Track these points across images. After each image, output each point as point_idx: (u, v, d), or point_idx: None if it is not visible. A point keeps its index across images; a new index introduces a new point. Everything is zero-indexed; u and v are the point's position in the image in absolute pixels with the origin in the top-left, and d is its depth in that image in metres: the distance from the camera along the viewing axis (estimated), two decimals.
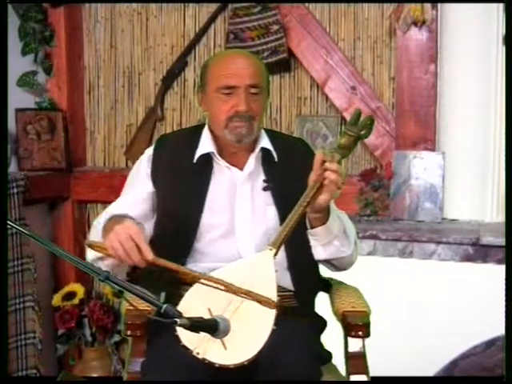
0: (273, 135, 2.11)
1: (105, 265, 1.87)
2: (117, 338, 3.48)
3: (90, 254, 1.93)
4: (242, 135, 1.98)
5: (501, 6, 2.89)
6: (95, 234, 1.98)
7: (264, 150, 2.05)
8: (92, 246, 1.87)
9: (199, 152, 2.04)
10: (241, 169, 2.04)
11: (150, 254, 1.77)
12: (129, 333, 1.95)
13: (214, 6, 3.43)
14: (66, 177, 3.57)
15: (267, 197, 2.03)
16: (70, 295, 3.47)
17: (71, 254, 1.62)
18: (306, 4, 3.30)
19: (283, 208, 1.94)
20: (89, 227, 3.67)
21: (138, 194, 2.07)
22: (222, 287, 1.73)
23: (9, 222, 1.60)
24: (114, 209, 2.06)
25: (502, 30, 2.91)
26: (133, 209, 2.03)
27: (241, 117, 1.96)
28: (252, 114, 1.97)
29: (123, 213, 1.96)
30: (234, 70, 1.98)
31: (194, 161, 2.03)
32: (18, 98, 3.38)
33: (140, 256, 1.77)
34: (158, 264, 1.79)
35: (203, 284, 1.74)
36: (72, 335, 3.48)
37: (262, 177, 2.04)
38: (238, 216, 2.01)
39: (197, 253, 2.00)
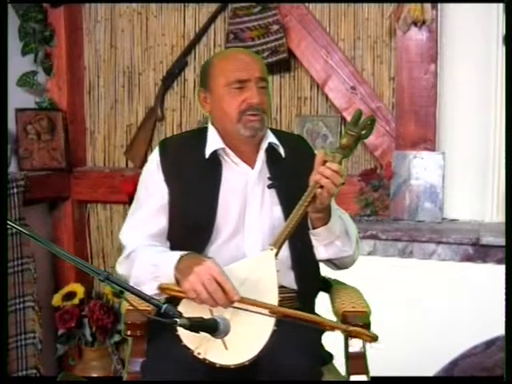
0: (276, 132, 2.11)
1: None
2: (117, 338, 3.48)
3: (151, 292, 1.81)
4: (256, 129, 1.97)
5: (501, 6, 2.89)
6: (128, 266, 1.94)
7: (269, 147, 2.04)
8: (165, 290, 1.79)
9: (210, 149, 2.01)
10: (251, 167, 2.03)
11: (236, 295, 1.72)
12: (129, 333, 1.95)
13: (213, 6, 3.43)
14: (66, 177, 3.57)
15: (273, 195, 2.02)
16: (70, 295, 3.47)
17: (71, 254, 1.62)
18: (306, 4, 3.30)
19: (289, 206, 1.93)
20: (89, 227, 3.68)
21: (158, 202, 2.01)
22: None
23: (9, 222, 1.60)
24: (139, 225, 2.02)
25: (502, 30, 2.91)
26: (157, 221, 2.00)
27: (254, 109, 1.95)
28: (263, 107, 1.97)
29: (155, 229, 1.96)
30: (243, 64, 1.99)
31: (207, 156, 2.00)
32: (18, 98, 3.38)
33: (225, 297, 1.72)
34: (245, 304, 1.73)
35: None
36: (72, 335, 3.48)
37: (267, 174, 2.03)
38: (248, 215, 2.00)
39: (208, 254, 1.97)
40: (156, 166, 2.04)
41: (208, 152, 2.01)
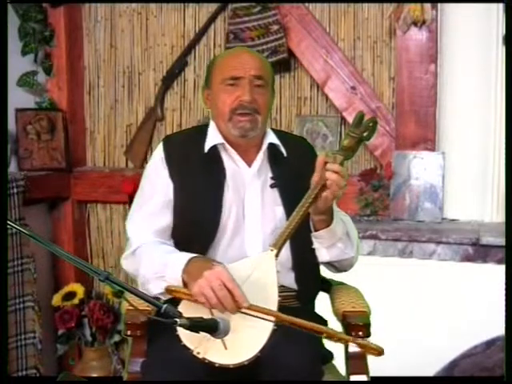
0: (278, 133, 2.10)
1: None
2: (117, 338, 3.48)
3: (156, 291, 1.85)
4: (246, 129, 1.96)
5: (501, 6, 2.89)
6: (134, 263, 1.94)
7: (271, 146, 2.04)
8: (172, 292, 1.79)
9: (209, 143, 2.01)
10: (249, 165, 2.02)
11: (245, 301, 1.70)
12: (129, 333, 1.95)
13: (214, 6, 3.43)
14: (66, 177, 3.57)
15: (275, 195, 2.01)
16: (70, 295, 3.47)
17: (71, 254, 1.62)
18: (306, 4, 3.30)
19: (291, 206, 1.92)
20: (89, 227, 3.68)
21: (163, 197, 2.00)
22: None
23: (9, 222, 1.59)
24: (145, 221, 2.00)
25: (502, 30, 2.91)
26: (163, 217, 1.99)
27: (244, 108, 1.94)
28: (256, 107, 1.95)
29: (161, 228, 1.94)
30: (239, 61, 1.98)
31: (206, 150, 1.99)
32: (18, 98, 3.38)
33: (234, 303, 1.70)
34: (252, 310, 1.71)
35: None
36: (72, 335, 3.48)
37: (270, 174, 2.03)
38: (248, 214, 1.99)
39: (209, 253, 1.96)
40: (161, 161, 2.03)
41: (207, 146, 2.01)
